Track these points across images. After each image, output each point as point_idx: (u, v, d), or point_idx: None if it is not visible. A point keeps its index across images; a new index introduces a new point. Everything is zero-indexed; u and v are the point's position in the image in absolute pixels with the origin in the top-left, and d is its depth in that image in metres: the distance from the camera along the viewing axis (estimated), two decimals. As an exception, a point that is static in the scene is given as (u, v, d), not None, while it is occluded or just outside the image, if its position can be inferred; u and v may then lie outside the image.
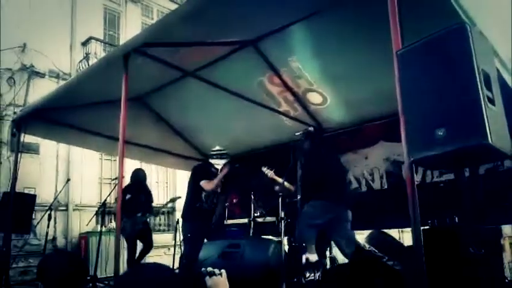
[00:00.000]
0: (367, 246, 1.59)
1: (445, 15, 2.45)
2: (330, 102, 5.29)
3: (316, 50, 4.37)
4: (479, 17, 2.67)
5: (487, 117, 1.83)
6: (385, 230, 4.98)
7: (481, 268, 2.79)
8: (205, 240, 4.97)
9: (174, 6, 10.89)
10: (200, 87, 5.06)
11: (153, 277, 1.18)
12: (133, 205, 5.75)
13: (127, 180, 6.07)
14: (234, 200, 7.00)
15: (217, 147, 5.09)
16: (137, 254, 5.94)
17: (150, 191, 6.27)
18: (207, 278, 1.44)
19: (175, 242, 6.30)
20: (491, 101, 1.95)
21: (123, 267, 7.88)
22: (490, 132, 1.81)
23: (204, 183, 4.84)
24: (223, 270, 1.49)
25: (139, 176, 6.21)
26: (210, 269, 1.47)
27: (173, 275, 1.25)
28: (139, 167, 6.74)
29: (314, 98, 5.31)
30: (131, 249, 5.89)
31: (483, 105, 1.84)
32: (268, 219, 5.23)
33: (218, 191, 5.04)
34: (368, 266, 1.76)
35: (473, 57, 1.89)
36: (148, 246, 5.97)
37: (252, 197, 5.40)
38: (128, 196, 5.79)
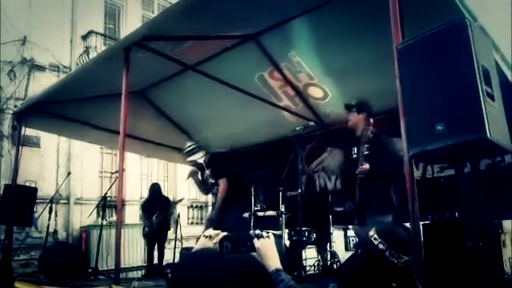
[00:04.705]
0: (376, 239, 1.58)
1: (445, 10, 2.45)
2: (331, 96, 5.28)
3: (317, 44, 4.36)
4: (481, 11, 2.67)
5: (486, 112, 1.84)
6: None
7: (479, 262, 2.81)
8: None
9: (174, 0, 10.85)
10: (201, 82, 5.05)
11: (205, 263, 1.20)
12: (149, 211, 6.20)
13: (127, 174, 6.17)
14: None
15: (188, 144, 5.12)
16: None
17: (164, 200, 6.50)
18: (255, 240, 1.48)
19: (175, 236, 6.34)
20: (491, 96, 1.96)
21: (124, 260, 7.94)
22: (488, 127, 1.81)
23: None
24: (270, 234, 1.52)
25: (152, 189, 6.60)
26: (258, 231, 1.52)
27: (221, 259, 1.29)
28: (155, 182, 7.11)
29: (315, 92, 5.30)
30: (149, 246, 6.19)
31: (482, 100, 1.85)
32: (269, 213, 5.23)
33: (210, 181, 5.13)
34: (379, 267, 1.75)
35: (473, 52, 1.89)
36: (161, 243, 6.13)
37: (253, 191, 5.41)
38: (145, 205, 6.40)
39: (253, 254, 1.46)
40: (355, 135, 4.04)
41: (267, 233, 1.51)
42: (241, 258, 1.45)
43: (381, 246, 1.72)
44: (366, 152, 3.81)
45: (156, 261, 6.04)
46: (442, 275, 2.78)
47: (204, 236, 1.57)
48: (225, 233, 1.54)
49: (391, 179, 3.67)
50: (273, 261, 1.44)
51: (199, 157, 5.02)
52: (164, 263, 6.09)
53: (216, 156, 5.21)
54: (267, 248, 1.47)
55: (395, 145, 3.60)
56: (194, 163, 5.08)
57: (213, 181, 5.05)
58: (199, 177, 5.17)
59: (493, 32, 2.71)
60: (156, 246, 6.12)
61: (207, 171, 5.08)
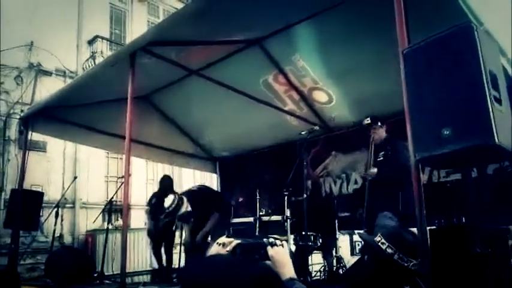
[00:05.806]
0: (383, 244, 1.55)
1: (451, 15, 2.44)
2: (336, 100, 5.27)
3: (321, 47, 4.36)
4: (486, 16, 2.66)
5: (493, 116, 1.81)
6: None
7: (487, 267, 2.78)
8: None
9: (180, 5, 10.92)
10: (205, 86, 5.06)
11: (216, 266, 1.19)
12: (157, 209, 5.77)
13: (133, 178, 6.10)
14: (240, 199, 7.02)
15: (166, 204, 4.99)
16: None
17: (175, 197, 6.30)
18: (269, 247, 1.46)
19: (181, 240, 6.32)
20: (498, 100, 1.93)
21: (129, 264, 7.92)
22: (496, 132, 1.79)
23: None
24: (284, 242, 1.51)
25: (164, 183, 6.22)
26: (271, 239, 1.50)
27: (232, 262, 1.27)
28: (167, 174, 6.60)
29: (320, 96, 5.30)
30: (155, 247, 5.91)
31: (490, 105, 1.83)
32: (274, 217, 5.21)
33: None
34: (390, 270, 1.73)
35: (480, 56, 1.87)
36: (168, 244, 6.00)
37: (257, 196, 5.40)
38: (154, 200, 5.90)
39: (267, 262, 1.44)
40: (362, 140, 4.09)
41: (281, 240, 1.50)
42: (254, 265, 1.43)
43: (389, 250, 1.70)
44: (381, 159, 3.86)
45: (164, 263, 5.93)
46: (449, 280, 2.75)
47: (217, 243, 1.56)
48: (238, 241, 1.53)
49: (399, 183, 3.63)
50: (287, 269, 1.42)
51: (186, 204, 5.00)
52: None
53: (192, 195, 5.22)
54: (281, 256, 1.44)
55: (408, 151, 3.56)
56: (187, 214, 5.01)
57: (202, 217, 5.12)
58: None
59: (499, 36, 2.70)
60: (163, 249, 6.01)
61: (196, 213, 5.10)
